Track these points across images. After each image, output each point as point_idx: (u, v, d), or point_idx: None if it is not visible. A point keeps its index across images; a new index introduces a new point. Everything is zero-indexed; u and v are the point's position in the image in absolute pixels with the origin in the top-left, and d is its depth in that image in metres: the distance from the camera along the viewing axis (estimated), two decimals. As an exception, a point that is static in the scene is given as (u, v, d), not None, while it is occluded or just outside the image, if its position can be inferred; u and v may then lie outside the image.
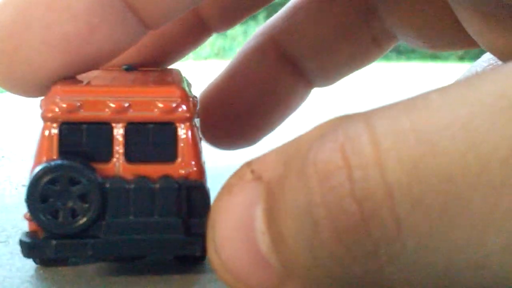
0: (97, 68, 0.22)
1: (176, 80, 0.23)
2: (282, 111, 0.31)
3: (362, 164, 0.14)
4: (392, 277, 0.14)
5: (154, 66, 0.27)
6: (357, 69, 0.31)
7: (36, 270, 0.21)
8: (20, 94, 0.22)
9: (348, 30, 0.30)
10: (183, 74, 0.25)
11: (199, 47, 0.31)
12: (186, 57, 0.30)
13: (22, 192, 0.30)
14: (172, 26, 0.28)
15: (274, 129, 0.32)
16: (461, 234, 0.14)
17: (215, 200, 0.17)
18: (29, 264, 0.21)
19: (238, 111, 0.30)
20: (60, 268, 0.21)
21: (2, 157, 0.39)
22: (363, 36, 0.30)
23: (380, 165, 0.14)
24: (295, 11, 0.30)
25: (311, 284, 0.16)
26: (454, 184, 0.14)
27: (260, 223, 0.16)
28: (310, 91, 0.32)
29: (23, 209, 0.28)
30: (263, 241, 0.16)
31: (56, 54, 0.20)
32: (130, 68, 0.26)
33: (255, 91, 0.30)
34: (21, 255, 0.22)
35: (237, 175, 0.17)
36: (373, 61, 0.31)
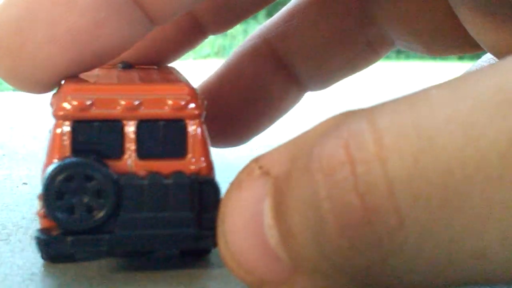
0: (102, 65, 0.22)
1: (181, 77, 0.23)
2: (272, 114, 0.32)
3: (365, 160, 0.15)
4: (395, 268, 0.15)
5: (148, 64, 0.28)
6: (352, 74, 0.32)
7: (37, 268, 0.21)
8: (26, 91, 0.22)
9: (344, 36, 0.30)
10: (181, 72, 0.26)
11: (199, 46, 0.31)
12: (186, 55, 0.30)
13: (23, 190, 0.30)
14: (167, 27, 0.28)
15: (263, 130, 0.32)
16: (461, 226, 0.14)
17: (225, 195, 0.18)
18: (30, 262, 0.21)
19: (228, 110, 0.31)
20: (61, 266, 0.21)
21: (3, 155, 0.39)
22: (358, 42, 0.30)
23: (382, 160, 0.14)
24: (291, 16, 0.30)
25: (319, 277, 0.16)
26: (453, 178, 0.14)
27: (268, 217, 0.17)
28: (303, 95, 0.32)
29: (24, 207, 0.28)
30: (272, 235, 0.16)
31: (62, 50, 0.20)
32: (126, 66, 0.26)
33: (246, 93, 0.31)
34: (22, 253, 0.22)
35: (246, 171, 0.18)
36: (369, 66, 0.31)
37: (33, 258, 0.21)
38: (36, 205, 0.20)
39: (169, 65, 0.29)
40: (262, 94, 0.31)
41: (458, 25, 0.26)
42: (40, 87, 0.21)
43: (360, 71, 0.32)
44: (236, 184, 0.18)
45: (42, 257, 0.21)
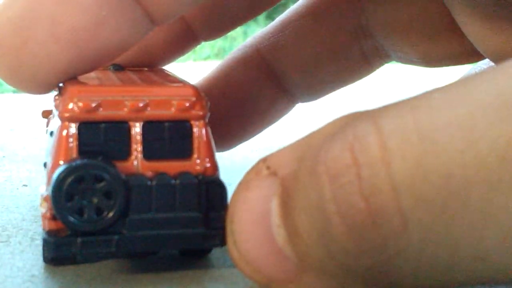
0: (102, 66, 0.22)
1: (180, 79, 0.23)
2: (259, 123, 0.32)
3: (369, 163, 0.15)
4: (399, 268, 0.15)
5: (138, 67, 0.28)
6: (344, 86, 0.31)
7: (37, 270, 0.21)
8: (26, 91, 0.21)
9: (337, 48, 0.30)
10: (173, 73, 0.26)
11: (199, 47, 0.31)
12: (186, 57, 0.30)
13: (23, 192, 0.30)
14: (159, 31, 0.28)
15: (249, 138, 0.32)
16: (462, 228, 0.14)
17: (233, 195, 0.18)
18: (30, 264, 0.21)
19: (214, 116, 0.31)
20: (61, 267, 0.21)
21: (3, 157, 0.39)
22: (352, 54, 0.30)
23: (386, 163, 0.15)
24: (284, 26, 0.30)
25: (325, 276, 0.16)
26: (454, 181, 0.14)
27: (276, 217, 0.17)
28: (292, 106, 0.32)
29: (24, 209, 0.28)
30: (279, 234, 0.17)
31: (64, 49, 0.20)
32: (118, 68, 0.26)
33: (234, 100, 0.31)
34: (22, 254, 0.22)
35: (254, 171, 0.18)
36: (362, 78, 0.31)
37: (33, 260, 0.21)
38: (36, 207, 0.20)
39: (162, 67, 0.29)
40: (249, 103, 0.31)
41: (454, 34, 0.26)
42: (40, 87, 0.21)
43: (352, 83, 0.31)
44: (244, 184, 0.18)
45: (44, 259, 0.21)
